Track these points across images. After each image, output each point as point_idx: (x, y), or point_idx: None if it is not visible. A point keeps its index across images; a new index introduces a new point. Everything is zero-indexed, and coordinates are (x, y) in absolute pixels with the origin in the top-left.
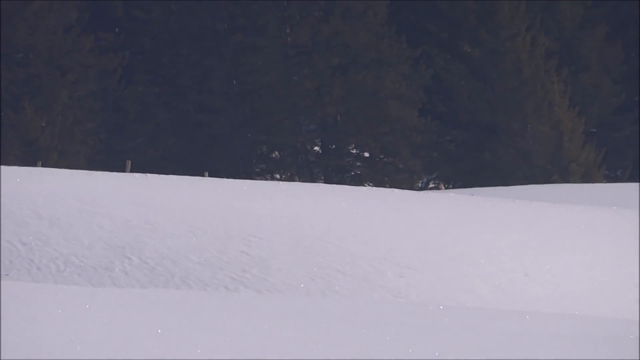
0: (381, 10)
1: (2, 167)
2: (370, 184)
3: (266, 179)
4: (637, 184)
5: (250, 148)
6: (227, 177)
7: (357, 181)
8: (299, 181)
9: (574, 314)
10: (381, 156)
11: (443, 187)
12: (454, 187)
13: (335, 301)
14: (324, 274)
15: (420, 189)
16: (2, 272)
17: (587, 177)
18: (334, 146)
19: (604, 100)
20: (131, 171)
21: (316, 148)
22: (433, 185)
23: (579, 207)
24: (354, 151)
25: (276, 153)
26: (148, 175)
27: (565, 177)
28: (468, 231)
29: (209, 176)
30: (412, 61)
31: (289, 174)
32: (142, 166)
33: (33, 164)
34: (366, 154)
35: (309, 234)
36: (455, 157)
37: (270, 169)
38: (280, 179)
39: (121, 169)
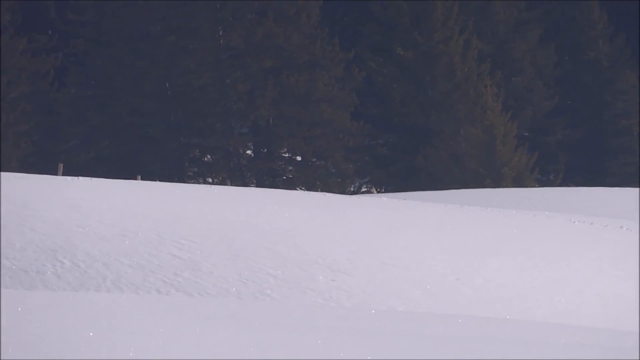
0: (314, 13)
1: None
2: (302, 188)
3: (198, 183)
4: (569, 188)
5: (183, 151)
6: (160, 181)
7: (289, 185)
8: (231, 185)
9: (505, 317)
10: (313, 160)
11: (375, 191)
12: (386, 191)
13: (266, 305)
14: (255, 277)
15: (353, 192)
16: None
17: (519, 181)
18: (266, 150)
19: (536, 104)
20: (63, 174)
21: (248, 152)
22: (365, 189)
23: (511, 212)
24: (286, 155)
25: (208, 156)
26: (80, 178)
27: (497, 181)
28: (399, 235)
29: (141, 179)
30: (344, 64)
31: (221, 177)
32: (75, 169)
33: None
34: (298, 158)
35: (240, 237)
36: (388, 161)
37: (203, 173)
38: (213, 183)
39: (53, 171)
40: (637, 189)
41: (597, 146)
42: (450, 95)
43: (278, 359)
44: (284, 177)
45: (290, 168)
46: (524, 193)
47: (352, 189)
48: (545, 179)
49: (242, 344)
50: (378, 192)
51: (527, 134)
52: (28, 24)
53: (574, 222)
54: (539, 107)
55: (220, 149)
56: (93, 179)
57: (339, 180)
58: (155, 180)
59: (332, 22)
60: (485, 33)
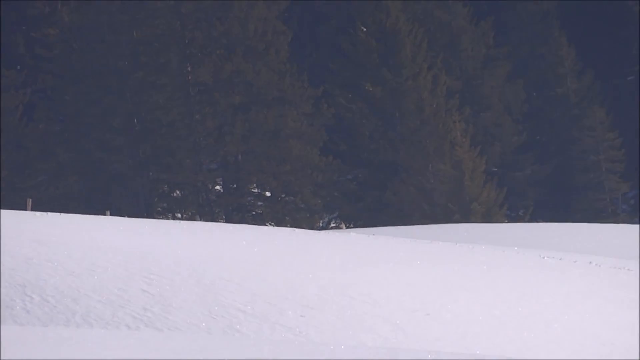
0: (283, 49)
1: None
2: (272, 224)
3: (167, 218)
4: (538, 224)
5: (152, 187)
6: (128, 216)
7: (259, 220)
8: (200, 220)
9: (475, 353)
10: (282, 195)
11: (344, 227)
12: (355, 226)
13: (236, 340)
14: (225, 312)
15: (322, 228)
16: None
17: (488, 217)
18: (235, 185)
19: (505, 140)
20: (32, 209)
21: (217, 187)
22: (334, 225)
23: (480, 247)
24: (255, 190)
25: (177, 192)
26: (49, 213)
27: (466, 216)
28: (369, 271)
29: (110, 215)
30: (313, 100)
31: (190, 213)
32: (43, 204)
33: None
34: (267, 193)
35: (209, 272)
36: (357, 196)
37: (172, 208)
38: (182, 218)
39: (22, 207)
40: (605, 225)
41: (566, 182)
42: (419, 131)
43: None
44: (253, 213)
45: (259, 203)
46: (493, 228)
47: (321, 224)
48: (514, 215)
49: None
50: (347, 227)
51: (495, 169)
52: None
53: (543, 257)
54: (508, 143)
55: (189, 184)
56: (62, 214)
57: (308, 215)
58: (124, 216)
59: (301, 58)
60: (454, 69)
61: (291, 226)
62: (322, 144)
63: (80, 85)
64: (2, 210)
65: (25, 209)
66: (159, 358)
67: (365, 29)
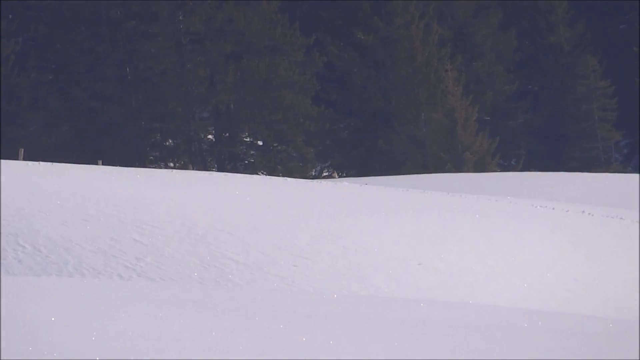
0: None
1: None
2: (264, 173)
3: (160, 167)
4: (531, 173)
5: (144, 136)
6: (121, 165)
7: (251, 169)
8: (193, 169)
9: (468, 302)
10: (274, 144)
11: (337, 176)
12: (347, 176)
13: (228, 290)
14: (217, 262)
15: (314, 177)
16: None
17: (480, 166)
18: (227, 134)
19: (497, 89)
20: (24, 159)
21: (209, 136)
22: (327, 174)
23: (472, 197)
24: (247, 139)
25: (170, 141)
26: (41, 163)
27: (459, 166)
28: (361, 220)
29: (103, 164)
30: (305, 49)
31: (182, 162)
32: (36, 154)
33: None
34: (259, 142)
35: (202, 222)
36: (349, 145)
37: (164, 157)
38: (174, 167)
39: (14, 156)
40: (598, 174)
41: (558, 131)
42: (411, 80)
43: (240, 343)
44: (246, 162)
45: (251, 152)
46: (485, 178)
47: (313, 173)
48: (506, 164)
49: (205, 329)
50: (339, 176)
51: (488, 118)
52: None
53: (536, 207)
54: (500, 92)
55: (181, 133)
56: (54, 164)
57: (300, 164)
58: (117, 165)
59: (292, 7)
60: (446, 18)
61: (283, 175)
62: (314, 93)
63: (72, 34)
64: None
65: (17, 159)
66: (152, 307)
67: None
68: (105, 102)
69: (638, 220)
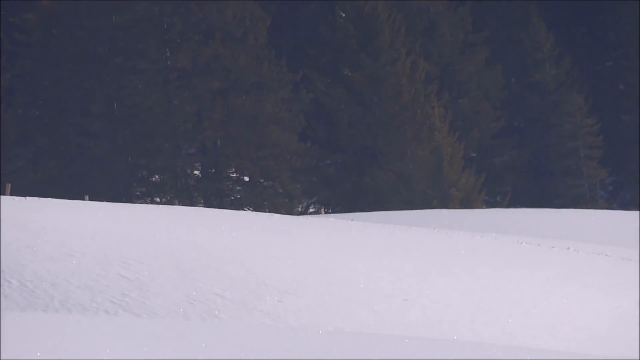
0: (261, 34)
1: None
2: (250, 208)
3: (146, 203)
4: (516, 209)
5: (131, 171)
6: (107, 201)
7: (237, 205)
8: (179, 205)
9: (453, 338)
10: (261, 180)
11: (323, 212)
12: (333, 212)
13: (214, 325)
14: (203, 298)
15: (300, 213)
16: None
17: (466, 203)
18: (213, 170)
19: (483, 125)
20: (11, 194)
21: (196, 172)
22: (313, 210)
23: (458, 233)
24: (234, 175)
25: (156, 177)
26: (28, 198)
27: (444, 202)
28: (347, 256)
29: (89, 199)
30: (292, 85)
31: (168, 197)
32: (22, 189)
33: None
34: (246, 178)
35: (188, 257)
36: (335, 182)
37: (150, 193)
38: (160, 203)
39: (1, 192)
40: (584, 210)
41: (544, 168)
42: (398, 116)
43: None
44: (232, 198)
45: (238, 188)
46: (471, 214)
47: (299, 210)
48: (492, 201)
49: None
50: (326, 212)
51: (474, 155)
52: None
53: (522, 243)
54: (486, 129)
55: (168, 169)
56: (41, 199)
57: (286, 200)
58: (103, 201)
59: (279, 44)
60: (432, 55)
61: (270, 211)
62: (301, 130)
63: (59, 70)
64: None
65: (3, 194)
66: (138, 343)
67: (343, 14)
68: (92, 137)
69: (624, 257)
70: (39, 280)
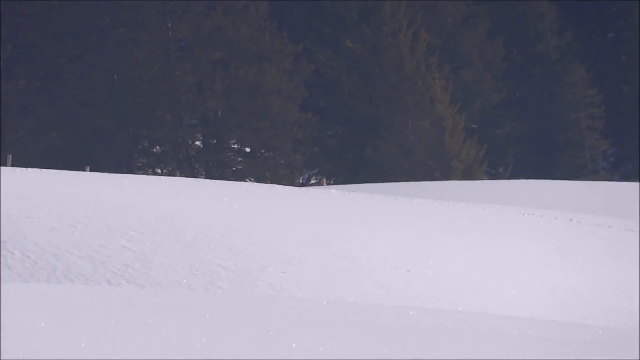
0: (263, 6)
1: None
2: (252, 180)
3: (147, 174)
4: (518, 181)
5: (132, 142)
6: (109, 172)
7: (238, 176)
8: (180, 176)
9: (456, 309)
10: (262, 151)
11: (325, 183)
12: (335, 183)
13: (217, 296)
14: (205, 269)
15: (302, 184)
16: None
17: (468, 174)
18: (215, 141)
19: (485, 97)
20: (12, 165)
21: (197, 143)
22: (314, 181)
23: (460, 204)
24: (235, 146)
25: (157, 147)
26: (29, 169)
27: (446, 173)
28: (349, 227)
29: (90, 170)
30: (293, 56)
31: (170, 168)
32: (24, 160)
33: None
34: (247, 149)
35: (190, 228)
36: (337, 153)
37: (152, 164)
38: (162, 174)
39: (2, 163)
40: (586, 182)
41: (546, 139)
42: (399, 88)
43: (229, 349)
44: (233, 168)
45: (239, 159)
46: (473, 186)
47: (301, 181)
48: (494, 172)
49: (193, 335)
50: (327, 183)
51: (475, 126)
52: None
53: (524, 214)
54: (488, 100)
55: (169, 140)
56: (42, 170)
57: (288, 171)
58: (105, 172)
59: (281, 15)
60: (434, 26)
61: (271, 182)
62: (302, 101)
63: (61, 41)
64: None
65: (5, 165)
66: (141, 314)
67: None
68: (93, 108)
69: (626, 228)
70: (41, 252)
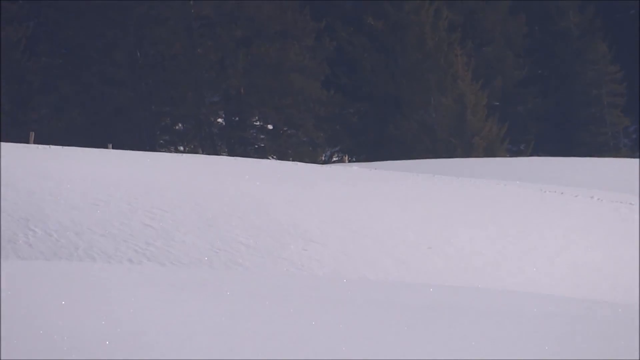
0: None
1: None
2: (274, 157)
3: (170, 151)
4: (540, 158)
5: (154, 120)
6: (131, 149)
7: (261, 154)
8: (202, 153)
9: (477, 286)
10: (285, 128)
11: (347, 160)
12: (357, 160)
13: (238, 274)
14: (227, 246)
15: (324, 162)
16: None
17: (490, 151)
18: (237, 118)
19: (507, 74)
20: (35, 143)
21: (220, 120)
22: (336, 158)
23: (481, 181)
24: (258, 123)
25: (180, 125)
26: (52, 147)
27: (468, 150)
28: (371, 205)
29: (113, 148)
30: (315, 33)
31: (192, 146)
32: (46, 138)
33: None
34: (270, 127)
35: (212, 206)
36: (359, 130)
37: (174, 141)
38: (184, 151)
39: (25, 140)
40: (607, 159)
41: (568, 116)
42: (421, 65)
43: (250, 327)
44: (256, 146)
45: (261, 137)
46: (494, 163)
47: (323, 158)
48: (515, 149)
49: (214, 313)
50: (349, 161)
51: (497, 103)
52: None
53: (545, 191)
54: (510, 77)
55: (191, 117)
56: (64, 147)
57: (310, 149)
58: (127, 149)
59: None
60: (456, 3)
61: (293, 159)
62: (324, 78)
63: (83, 18)
64: (4, 144)
65: (28, 142)
66: (162, 291)
67: None
68: (115, 86)
69: None
70: (63, 230)
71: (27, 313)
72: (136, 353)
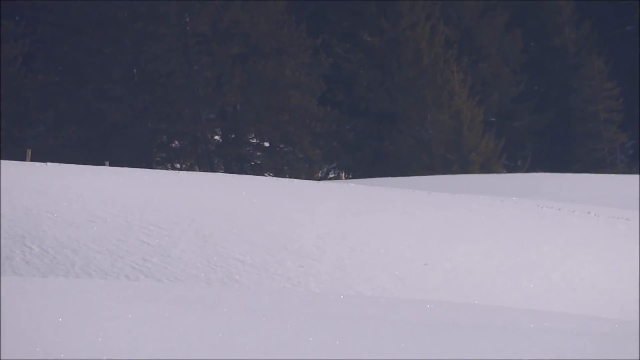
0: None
1: None
2: (270, 174)
3: (166, 168)
4: (537, 174)
5: (151, 137)
6: (128, 166)
7: (257, 171)
8: (199, 170)
9: (473, 302)
10: (281, 145)
11: (343, 177)
12: (354, 177)
13: (235, 290)
14: (224, 263)
15: (321, 178)
16: None
17: (486, 167)
18: (234, 135)
19: (503, 90)
20: (31, 160)
21: (216, 137)
22: (333, 175)
23: (478, 197)
24: (254, 140)
25: (176, 142)
26: (48, 164)
27: (465, 166)
28: (367, 221)
29: (109, 165)
30: (312, 50)
31: (189, 163)
32: (43, 155)
33: None
34: (266, 144)
35: (209, 223)
36: (355, 147)
37: (170, 158)
38: (180, 168)
39: (21, 157)
40: (604, 175)
41: (564, 132)
42: (417, 81)
43: (247, 343)
44: (252, 163)
45: (258, 154)
46: (491, 179)
47: (320, 175)
48: (512, 165)
49: (211, 329)
50: (346, 177)
51: (493, 119)
52: None
53: (542, 207)
54: (506, 93)
55: (188, 134)
56: (61, 164)
57: (306, 165)
58: (124, 166)
59: (299, 9)
60: (452, 19)
61: (290, 176)
62: (321, 94)
63: (80, 35)
64: (1, 161)
65: (24, 160)
66: (159, 307)
67: None
68: (112, 103)
69: None
70: (60, 246)
71: (24, 330)
72: None
